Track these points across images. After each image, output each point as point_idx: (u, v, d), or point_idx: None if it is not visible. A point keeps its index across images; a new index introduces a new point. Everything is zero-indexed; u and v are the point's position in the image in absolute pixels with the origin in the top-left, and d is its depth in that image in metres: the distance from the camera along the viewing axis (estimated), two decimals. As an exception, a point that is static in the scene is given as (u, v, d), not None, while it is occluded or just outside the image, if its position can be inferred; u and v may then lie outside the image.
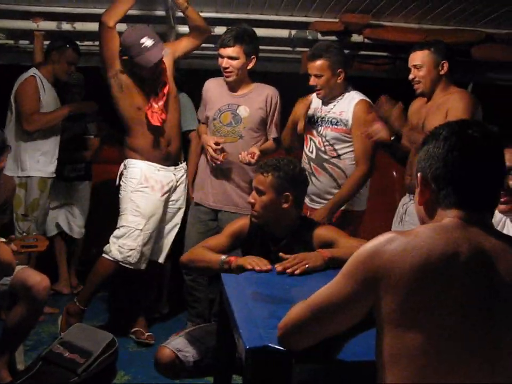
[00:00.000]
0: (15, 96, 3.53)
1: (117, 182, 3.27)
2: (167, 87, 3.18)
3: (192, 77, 3.91)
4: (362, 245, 2.12)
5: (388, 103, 2.87)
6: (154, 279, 3.50)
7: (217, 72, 3.29)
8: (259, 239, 2.33)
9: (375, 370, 1.24)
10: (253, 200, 2.32)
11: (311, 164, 3.12)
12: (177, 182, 3.33)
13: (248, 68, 3.17)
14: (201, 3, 3.58)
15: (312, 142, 3.13)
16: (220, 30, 3.50)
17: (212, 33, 3.47)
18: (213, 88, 3.29)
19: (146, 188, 3.19)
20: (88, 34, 3.74)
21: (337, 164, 3.07)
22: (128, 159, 3.25)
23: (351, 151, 3.07)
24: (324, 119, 3.08)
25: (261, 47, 3.86)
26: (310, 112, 3.15)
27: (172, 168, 3.31)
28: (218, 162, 3.12)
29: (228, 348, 2.04)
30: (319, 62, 2.96)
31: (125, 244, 3.14)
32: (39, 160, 3.56)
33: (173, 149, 3.29)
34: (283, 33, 3.86)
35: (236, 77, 3.14)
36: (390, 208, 3.25)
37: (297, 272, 2.03)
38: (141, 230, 3.15)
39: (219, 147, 3.11)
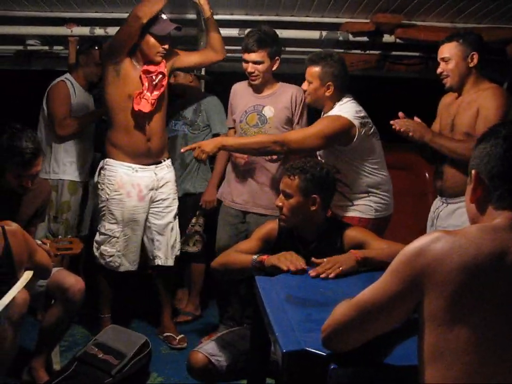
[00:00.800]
0: (47, 101, 3.59)
1: (95, 179, 3.26)
2: (165, 80, 3.15)
3: (223, 79, 3.92)
4: (394, 247, 2.14)
5: (406, 118, 2.74)
6: (163, 282, 3.41)
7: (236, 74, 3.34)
8: (289, 242, 2.31)
9: (414, 374, 1.23)
10: (280, 204, 2.30)
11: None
12: (158, 181, 3.26)
13: (273, 69, 3.16)
14: (231, 5, 3.61)
15: None
16: (250, 32, 3.50)
17: (243, 35, 3.46)
18: (239, 91, 3.30)
19: (120, 195, 3.16)
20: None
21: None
22: (108, 159, 3.19)
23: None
24: None
25: (291, 48, 3.87)
26: None
27: (153, 167, 3.23)
28: (243, 162, 3.13)
29: (261, 350, 2.03)
30: (311, 69, 2.85)
31: (105, 250, 3.21)
32: (71, 163, 3.62)
33: (153, 145, 3.19)
34: (314, 34, 3.85)
35: (261, 80, 3.15)
36: (422, 210, 3.20)
37: (331, 276, 2.00)
38: (117, 237, 3.19)
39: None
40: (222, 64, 3.78)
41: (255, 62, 3.09)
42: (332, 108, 2.84)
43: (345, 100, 2.83)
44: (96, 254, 3.23)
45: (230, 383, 2.35)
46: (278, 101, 3.18)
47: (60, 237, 2.73)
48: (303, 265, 2.06)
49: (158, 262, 3.31)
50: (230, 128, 3.40)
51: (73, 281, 2.63)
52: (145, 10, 2.93)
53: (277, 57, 3.15)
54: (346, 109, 2.77)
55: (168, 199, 3.31)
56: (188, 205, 3.62)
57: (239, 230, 3.27)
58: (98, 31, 3.82)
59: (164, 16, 3.04)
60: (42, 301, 2.67)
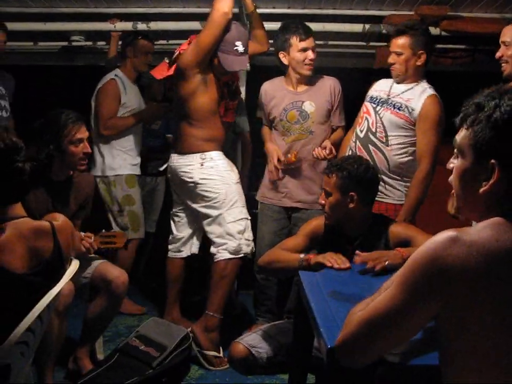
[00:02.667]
0: (95, 99, 3.66)
1: (196, 176, 3.08)
2: (238, 89, 3.23)
3: (264, 73, 3.91)
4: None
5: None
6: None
7: (276, 68, 3.32)
8: (334, 238, 2.31)
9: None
10: (323, 202, 2.32)
11: (357, 142, 2.97)
12: None
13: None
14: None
15: (366, 121, 2.97)
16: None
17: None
18: (272, 90, 3.28)
19: (238, 178, 3.17)
20: (162, 33, 3.80)
21: (382, 150, 2.89)
22: (209, 152, 3.09)
23: (402, 142, 2.88)
24: (387, 100, 2.92)
25: (334, 42, 3.82)
26: (375, 92, 3.01)
27: None
28: (290, 161, 3.12)
29: (304, 345, 2.02)
30: (401, 39, 2.82)
31: (249, 236, 3.09)
32: (126, 158, 3.68)
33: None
34: (357, 27, 3.80)
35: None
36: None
37: (377, 268, 1.98)
38: (249, 219, 3.14)
39: (280, 166, 3.14)
40: (263, 58, 3.78)
41: (313, 48, 3.10)
42: (416, 81, 2.86)
43: (424, 80, 2.90)
44: (242, 245, 3.04)
45: (270, 377, 2.36)
46: (318, 95, 3.17)
47: (103, 231, 2.76)
48: (348, 265, 2.04)
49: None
50: (264, 125, 3.39)
51: (117, 274, 2.67)
52: (229, 5, 2.90)
53: None
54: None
55: None
56: None
57: (282, 225, 3.27)
58: (141, 25, 3.85)
59: (240, 49, 3.00)
60: (87, 292, 2.71)
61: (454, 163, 1.24)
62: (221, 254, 3.03)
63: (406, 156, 2.90)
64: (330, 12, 3.71)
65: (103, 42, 4.17)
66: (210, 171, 3.07)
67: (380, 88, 3.00)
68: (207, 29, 2.93)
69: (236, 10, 3.53)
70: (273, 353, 2.23)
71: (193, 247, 3.36)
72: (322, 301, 1.71)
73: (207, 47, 2.93)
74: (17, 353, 1.68)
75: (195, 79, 3.01)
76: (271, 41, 3.37)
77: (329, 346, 1.39)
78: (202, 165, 3.08)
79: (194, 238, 3.35)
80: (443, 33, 3.72)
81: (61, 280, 1.79)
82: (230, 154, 3.39)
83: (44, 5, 3.70)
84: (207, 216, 3.10)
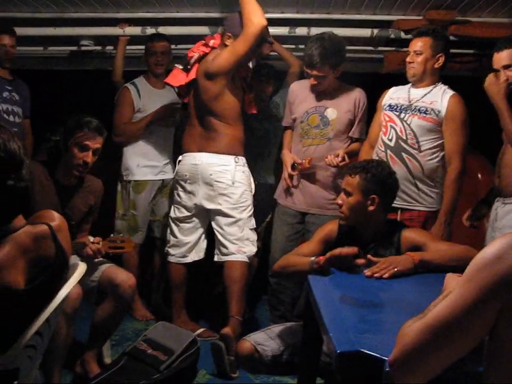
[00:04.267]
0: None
1: (232, 178, 3.16)
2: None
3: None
4: (454, 248, 2.07)
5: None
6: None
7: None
8: (347, 243, 2.29)
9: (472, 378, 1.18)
10: (340, 201, 2.31)
11: (388, 151, 2.95)
12: None
13: (336, 76, 3.15)
14: (281, 4, 3.59)
15: (392, 129, 2.96)
16: (301, 31, 3.49)
17: (293, 34, 3.46)
18: (299, 91, 3.28)
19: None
20: (171, 38, 3.81)
21: (416, 156, 2.89)
22: (241, 157, 3.23)
23: (433, 146, 2.89)
24: (410, 106, 2.92)
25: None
26: (392, 101, 3.01)
27: None
28: (304, 168, 3.13)
29: (313, 349, 2.02)
30: (422, 39, 2.86)
31: (255, 237, 3.24)
32: (138, 163, 3.69)
33: None
34: (365, 32, 3.80)
35: (324, 88, 3.15)
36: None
37: (385, 276, 1.98)
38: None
39: (295, 173, 3.17)
40: (273, 62, 3.78)
41: (317, 77, 3.08)
42: (434, 83, 2.90)
43: (441, 81, 2.94)
44: (253, 252, 3.22)
45: (276, 381, 2.35)
46: (341, 103, 3.17)
47: (112, 235, 2.77)
48: (355, 250, 2.04)
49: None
50: (286, 128, 3.39)
51: (124, 277, 2.67)
52: (263, 15, 2.95)
53: (340, 66, 3.11)
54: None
55: None
56: (265, 196, 3.64)
57: (296, 229, 3.28)
58: (150, 30, 3.86)
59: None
60: (95, 296, 2.71)
61: None
62: (240, 256, 3.13)
63: (438, 160, 2.91)
64: (339, 16, 3.70)
65: (112, 47, 4.19)
66: (242, 175, 3.18)
67: (397, 95, 3.01)
68: (244, 40, 2.98)
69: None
70: (279, 352, 2.22)
71: (200, 252, 3.38)
72: (331, 305, 1.71)
73: (243, 57, 3.04)
74: (25, 356, 1.68)
75: (224, 80, 3.10)
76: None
77: (338, 351, 1.39)
78: (236, 168, 3.17)
79: (201, 243, 3.36)
80: (451, 37, 3.71)
81: (68, 283, 1.78)
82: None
83: (53, 10, 3.73)
84: (229, 216, 3.17)
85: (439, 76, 2.94)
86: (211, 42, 3.18)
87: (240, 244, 3.14)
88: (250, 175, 3.26)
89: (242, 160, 3.21)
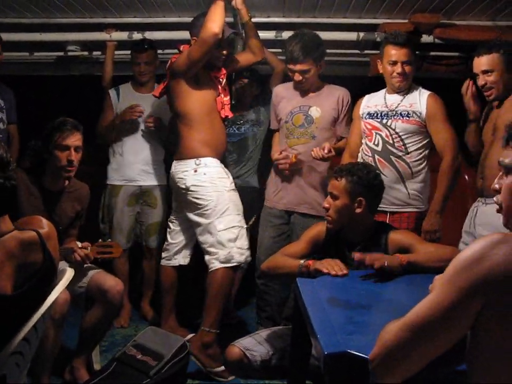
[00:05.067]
0: None
1: (188, 182, 3.06)
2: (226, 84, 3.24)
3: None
4: (441, 250, 2.08)
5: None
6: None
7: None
8: (335, 245, 2.32)
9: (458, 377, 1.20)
10: (327, 205, 2.32)
11: (375, 156, 2.98)
12: None
13: (318, 72, 3.17)
14: (268, 8, 3.61)
15: (378, 135, 2.99)
16: (287, 35, 3.48)
17: (280, 38, 3.47)
18: (283, 93, 3.31)
19: (234, 185, 3.16)
20: (158, 43, 3.81)
21: (404, 158, 2.93)
22: (203, 158, 3.08)
23: (419, 147, 2.94)
24: (391, 112, 2.96)
25: (329, 50, 3.84)
26: (370, 109, 3.04)
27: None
28: (290, 163, 3.13)
29: (302, 352, 2.02)
30: (405, 50, 2.89)
31: (243, 244, 3.04)
32: (113, 169, 3.73)
33: (225, 143, 3.27)
34: (351, 36, 3.82)
35: (309, 85, 3.19)
36: (462, 214, 3.12)
37: (376, 265, 1.98)
38: (246, 228, 3.13)
39: (284, 154, 3.17)
40: (260, 67, 3.79)
41: (301, 72, 3.10)
42: (410, 88, 2.97)
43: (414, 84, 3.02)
44: (233, 254, 2.99)
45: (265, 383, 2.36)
46: (325, 102, 3.20)
47: (100, 240, 2.76)
48: (345, 271, 2.04)
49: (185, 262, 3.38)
50: (275, 131, 3.40)
51: (112, 283, 2.67)
52: (219, 25, 2.93)
53: (322, 61, 3.15)
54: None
55: None
56: (249, 199, 3.60)
57: (282, 230, 3.27)
58: (136, 35, 3.86)
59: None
60: (83, 302, 2.70)
61: (501, 183, 1.28)
62: (213, 264, 3.00)
63: (425, 160, 2.97)
64: (325, 20, 3.72)
65: (99, 52, 4.18)
66: (203, 178, 3.05)
67: (373, 103, 3.05)
68: (198, 45, 2.99)
69: (231, 19, 3.55)
70: (268, 357, 2.22)
71: (186, 258, 3.36)
72: (319, 307, 1.71)
73: (196, 62, 3.01)
74: (13, 363, 1.67)
75: (183, 80, 3.08)
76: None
77: (325, 353, 1.39)
78: (196, 171, 3.07)
79: (187, 248, 3.35)
80: (436, 40, 3.75)
81: (56, 289, 1.78)
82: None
83: (40, 15, 3.72)
84: (198, 224, 3.08)
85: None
86: (181, 47, 3.20)
87: (213, 250, 3.00)
88: (223, 172, 3.12)
89: (206, 160, 3.08)
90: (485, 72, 2.62)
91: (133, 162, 3.70)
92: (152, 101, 3.65)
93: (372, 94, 3.10)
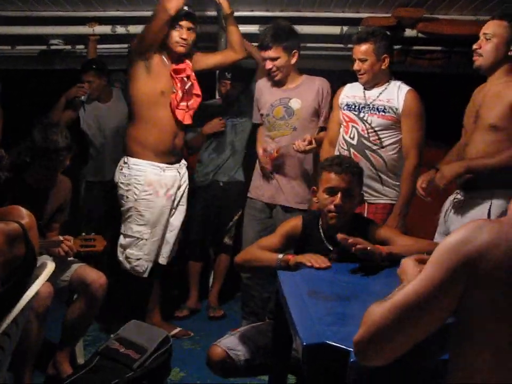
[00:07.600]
0: None
1: (116, 179, 3.14)
2: (197, 88, 3.18)
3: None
4: (420, 243, 2.10)
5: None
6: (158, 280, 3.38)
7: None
8: (313, 238, 2.30)
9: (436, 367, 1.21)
10: (340, 203, 2.25)
11: (351, 149, 2.97)
12: (181, 180, 3.23)
13: (292, 63, 3.16)
14: (252, 2, 3.61)
15: (354, 128, 2.98)
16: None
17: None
18: (264, 87, 3.31)
19: (150, 195, 3.07)
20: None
21: (379, 152, 2.94)
22: (132, 158, 3.08)
23: (394, 142, 2.94)
24: (368, 106, 2.95)
25: (312, 44, 3.86)
26: (349, 99, 3.02)
27: (177, 165, 3.20)
28: (271, 157, 3.16)
29: (284, 346, 2.02)
30: (364, 46, 2.86)
31: (132, 254, 3.10)
32: (88, 163, 3.94)
33: (178, 142, 3.17)
34: (335, 30, 3.84)
35: (282, 75, 3.18)
36: (440, 205, 3.13)
37: (358, 246, 2.00)
38: (146, 239, 3.10)
39: (266, 152, 3.19)
40: (244, 61, 3.79)
41: (271, 59, 3.11)
42: (387, 81, 2.93)
43: (393, 78, 2.97)
44: (121, 258, 3.12)
45: (250, 379, 2.35)
46: (305, 93, 3.20)
47: (83, 234, 2.75)
48: (328, 263, 2.05)
49: (162, 261, 3.26)
50: (258, 125, 3.40)
51: (95, 277, 2.66)
52: (174, 4, 2.91)
53: (294, 51, 3.14)
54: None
55: (184, 198, 3.31)
56: (235, 193, 3.65)
57: (266, 225, 3.28)
58: (120, 29, 3.86)
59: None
60: (66, 296, 2.70)
61: None
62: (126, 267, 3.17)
63: (399, 154, 2.96)
64: (308, 14, 3.74)
65: (82, 46, 4.15)
66: (123, 178, 3.11)
67: (352, 93, 3.03)
68: (151, 20, 2.99)
69: (214, 13, 3.55)
70: (251, 356, 2.20)
71: (163, 257, 3.29)
72: (299, 300, 1.72)
73: (146, 36, 3.00)
74: (-7, 357, 1.66)
75: (137, 64, 3.05)
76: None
77: (304, 344, 1.40)
78: (121, 169, 3.12)
79: (164, 246, 3.27)
80: (419, 35, 3.77)
81: (36, 282, 1.76)
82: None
83: (21, 8, 3.69)
84: None
85: (390, 73, 2.96)
86: None
87: (120, 256, 3.15)
88: (144, 178, 3.06)
89: (132, 161, 3.08)
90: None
91: (102, 159, 3.88)
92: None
93: (354, 83, 3.05)
